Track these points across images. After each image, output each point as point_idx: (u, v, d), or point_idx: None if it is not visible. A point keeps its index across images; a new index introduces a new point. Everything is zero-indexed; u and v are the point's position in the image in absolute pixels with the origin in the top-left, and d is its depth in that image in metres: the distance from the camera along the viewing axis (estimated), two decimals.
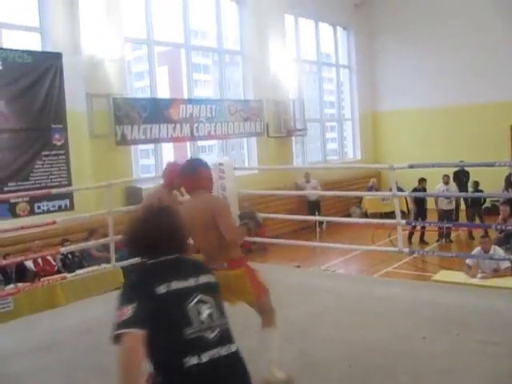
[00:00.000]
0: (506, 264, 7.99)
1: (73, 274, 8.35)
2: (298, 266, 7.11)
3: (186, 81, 13.38)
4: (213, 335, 2.27)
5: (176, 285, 2.30)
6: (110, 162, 10.50)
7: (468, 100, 16.53)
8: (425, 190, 12.97)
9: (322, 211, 14.23)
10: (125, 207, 9.66)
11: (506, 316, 5.15)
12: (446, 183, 13.24)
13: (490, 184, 13.88)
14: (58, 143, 9.83)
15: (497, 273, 7.93)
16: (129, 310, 2.20)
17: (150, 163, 12.94)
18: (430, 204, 13.52)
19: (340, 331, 5.11)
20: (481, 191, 13.18)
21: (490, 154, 14.00)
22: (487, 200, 15.65)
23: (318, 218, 12.52)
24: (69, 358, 4.84)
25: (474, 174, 14.30)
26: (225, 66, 14.41)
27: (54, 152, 9.77)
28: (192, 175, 4.14)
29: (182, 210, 3.84)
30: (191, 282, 2.34)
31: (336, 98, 18.83)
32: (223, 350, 2.26)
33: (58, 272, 8.89)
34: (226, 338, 2.31)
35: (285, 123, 14.85)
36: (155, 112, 11.59)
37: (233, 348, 2.33)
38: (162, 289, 2.27)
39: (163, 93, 13.19)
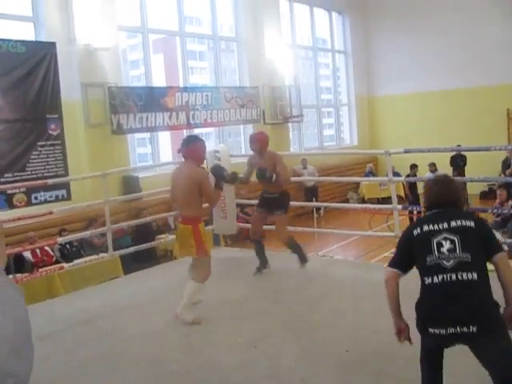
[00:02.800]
0: (503, 248, 8.02)
1: (71, 263, 8.36)
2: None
3: (181, 68, 13.34)
4: (449, 264, 2.94)
5: (427, 227, 3.09)
6: (106, 152, 10.49)
7: (464, 84, 16.51)
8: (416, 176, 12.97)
9: (320, 197, 14.25)
10: (122, 196, 9.69)
11: (502, 299, 5.17)
12: (432, 172, 13.25)
13: (487, 168, 13.90)
14: (54, 133, 9.81)
15: None
16: (395, 253, 3.28)
17: (147, 152, 12.93)
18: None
19: (337, 316, 5.14)
20: None
21: (487, 138, 14.00)
22: (484, 184, 15.71)
23: (315, 203, 12.53)
24: (67, 347, 4.87)
25: (471, 159, 14.32)
26: (220, 53, 14.36)
27: (49, 142, 9.75)
28: (185, 147, 5.27)
29: (174, 172, 5.36)
30: (443, 225, 3.06)
31: (332, 84, 18.79)
32: (454, 275, 2.90)
33: (57, 262, 8.90)
34: (462, 267, 2.91)
35: (281, 110, 14.82)
36: (151, 100, 11.56)
37: (467, 276, 2.89)
38: (416, 231, 3.14)
39: (159, 81, 13.15)
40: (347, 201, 15.92)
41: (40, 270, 8.08)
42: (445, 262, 2.94)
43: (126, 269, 8.57)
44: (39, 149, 9.60)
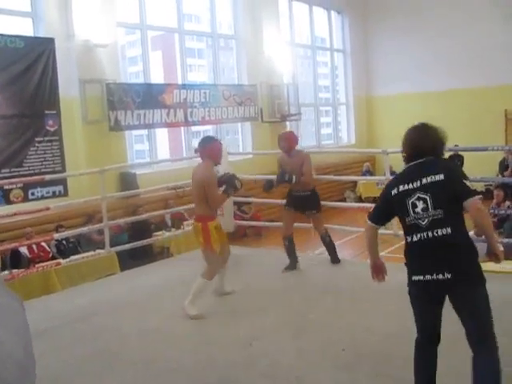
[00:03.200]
0: (500, 248, 8.03)
1: (67, 259, 8.36)
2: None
3: (179, 66, 13.31)
4: (424, 223, 3.18)
5: (403, 187, 3.29)
6: (103, 148, 10.47)
7: (463, 85, 16.51)
8: None
9: None
10: (119, 193, 9.69)
11: (498, 299, 5.17)
12: None
13: (484, 168, 13.91)
14: (52, 129, 9.79)
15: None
16: (375, 208, 3.59)
17: (145, 148, 12.91)
18: None
19: (334, 315, 5.14)
20: None
21: (485, 138, 14.02)
22: (481, 184, 15.71)
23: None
24: (64, 344, 4.86)
25: (468, 159, 14.32)
26: (219, 51, 14.34)
27: (47, 138, 9.73)
28: (201, 147, 5.50)
29: (193, 170, 5.56)
30: (416, 184, 3.24)
31: (330, 83, 18.78)
32: (430, 233, 3.16)
33: (53, 258, 8.89)
34: (435, 224, 3.15)
35: (279, 108, 14.80)
36: (149, 97, 11.54)
37: (441, 232, 3.14)
38: (394, 191, 3.34)
39: (157, 78, 13.12)
40: (344, 200, 15.90)
41: (36, 265, 8.08)
42: (420, 221, 3.20)
43: (122, 266, 8.57)
44: (37, 144, 9.59)
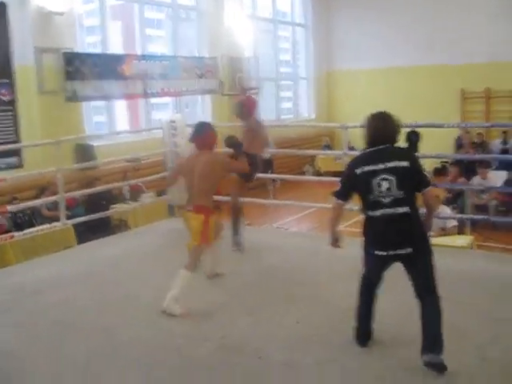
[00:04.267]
0: (453, 223, 8.22)
1: (21, 232, 8.20)
2: (249, 224, 7.16)
3: (138, 36, 13.08)
4: (386, 201, 3.61)
5: (368, 167, 3.67)
6: (60, 119, 10.25)
7: (421, 61, 16.69)
8: None
9: (276, 169, 14.27)
10: (75, 165, 9.53)
11: (451, 273, 5.31)
12: None
13: (441, 145, 14.15)
14: (5, 99, 9.54)
15: (443, 231, 8.15)
16: (339, 186, 3.89)
17: (104, 120, 12.70)
18: None
19: (289, 288, 5.20)
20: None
21: (442, 116, 14.21)
22: (437, 160, 16.01)
23: (270, 175, 12.56)
24: (19, 318, 4.81)
25: (425, 135, 14.53)
26: (179, 22, 14.13)
27: (1, 108, 9.48)
28: (199, 137, 5.21)
29: (188, 160, 5.36)
30: (380, 166, 3.63)
31: (291, 57, 18.74)
32: (391, 210, 3.61)
33: (8, 231, 8.72)
34: (396, 203, 3.60)
35: (239, 81, 14.73)
36: (107, 68, 11.31)
37: (401, 210, 3.60)
38: (358, 171, 3.71)
39: (116, 48, 12.88)
40: (303, 174, 15.99)
41: None
42: (383, 199, 3.62)
43: (80, 239, 8.47)
44: None
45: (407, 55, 16.92)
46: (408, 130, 14.58)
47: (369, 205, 3.69)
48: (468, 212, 9.19)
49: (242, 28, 14.78)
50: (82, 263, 6.31)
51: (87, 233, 8.65)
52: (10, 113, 9.59)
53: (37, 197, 9.28)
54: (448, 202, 9.88)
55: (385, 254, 3.69)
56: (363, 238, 3.84)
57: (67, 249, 7.75)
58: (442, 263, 5.63)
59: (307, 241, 7.01)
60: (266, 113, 16.89)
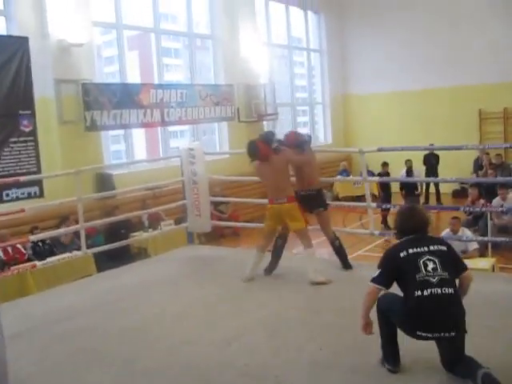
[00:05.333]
0: (474, 245, 8.15)
1: (43, 261, 8.26)
2: (269, 251, 7.14)
3: (156, 65, 13.26)
4: (434, 280, 3.64)
5: (412, 250, 3.78)
6: (79, 149, 10.38)
7: (438, 84, 16.70)
8: (388, 174, 13.07)
9: None
10: (95, 194, 9.61)
11: (473, 297, 5.24)
12: (409, 168, 13.39)
13: (460, 166, 14.11)
14: (26, 130, 9.69)
15: (465, 254, 8.06)
16: (378, 271, 3.86)
17: (121, 149, 12.83)
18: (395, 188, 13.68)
19: (310, 314, 5.17)
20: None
21: (460, 137, 14.17)
22: (456, 183, 15.92)
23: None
24: (40, 346, 4.82)
25: (444, 157, 14.50)
26: (195, 51, 14.31)
27: (22, 139, 9.62)
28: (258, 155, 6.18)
29: (259, 171, 6.30)
30: (424, 249, 3.77)
31: (307, 82, 18.85)
32: (439, 290, 3.61)
33: (29, 260, 8.79)
34: (443, 283, 3.63)
35: (256, 108, 14.81)
36: (125, 97, 11.47)
37: (448, 290, 3.62)
38: (403, 253, 3.79)
39: (133, 78, 13.06)
40: None
41: (12, 268, 7.97)
42: (431, 278, 3.64)
43: (99, 267, 8.51)
44: (11, 145, 9.48)
45: (423, 77, 16.93)
46: (426, 152, 14.69)
47: (417, 284, 3.65)
48: (489, 234, 9.09)
49: (257, 55, 14.92)
50: (102, 291, 6.33)
51: (107, 261, 8.69)
52: (30, 143, 9.73)
53: (58, 226, 9.37)
54: (468, 225, 9.80)
55: (430, 335, 3.66)
56: (403, 321, 3.77)
57: (87, 277, 7.79)
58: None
59: (327, 266, 6.96)
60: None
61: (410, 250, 3.78)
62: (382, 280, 3.83)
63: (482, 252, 8.55)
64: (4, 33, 9.87)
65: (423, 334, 3.65)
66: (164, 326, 5.12)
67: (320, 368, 4.11)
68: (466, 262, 7.74)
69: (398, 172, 13.39)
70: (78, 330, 5.11)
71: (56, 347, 4.76)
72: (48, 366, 4.41)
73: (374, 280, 3.84)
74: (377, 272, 3.86)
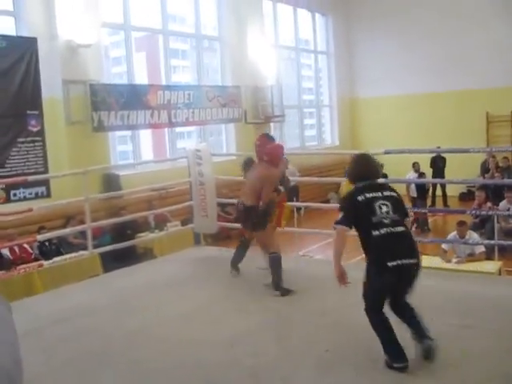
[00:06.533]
0: (481, 249, 8.12)
1: (50, 261, 8.29)
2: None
3: (163, 67, 13.30)
4: (387, 221, 4.06)
5: (369, 194, 4.15)
6: (86, 149, 10.42)
7: (445, 87, 16.67)
8: (385, 176, 12.93)
9: (300, 197, 14.28)
10: (102, 194, 9.64)
11: (480, 300, 5.24)
12: (416, 171, 13.35)
13: (466, 169, 14.06)
14: (34, 130, 9.74)
15: (471, 257, 8.04)
16: (341, 214, 4.19)
17: (129, 149, 12.87)
18: (401, 190, 13.65)
19: (316, 316, 5.16)
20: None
21: (467, 140, 14.15)
22: (463, 186, 15.89)
23: (296, 203, 12.57)
24: (46, 346, 4.83)
25: (451, 160, 14.46)
26: (203, 52, 14.34)
27: (29, 139, 9.68)
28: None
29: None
30: (378, 194, 4.17)
31: (314, 84, 18.85)
32: (393, 229, 4.04)
33: (36, 260, 8.82)
34: (395, 223, 4.07)
35: (263, 109, 14.83)
36: (133, 98, 11.51)
37: (400, 229, 4.08)
38: (361, 197, 4.15)
39: (141, 79, 13.10)
40: (328, 201, 15.96)
41: (18, 267, 8.00)
42: (384, 220, 4.07)
43: (106, 267, 8.52)
44: (19, 145, 9.53)
45: (430, 81, 16.91)
46: (433, 155, 14.66)
47: (373, 225, 4.06)
48: (496, 237, 9.06)
49: (265, 57, 14.94)
50: (109, 292, 6.34)
51: (113, 261, 8.70)
52: (38, 143, 9.78)
53: (64, 226, 9.40)
54: (475, 228, 9.77)
55: (399, 262, 3.96)
56: (373, 259, 4.13)
57: (93, 277, 7.81)
58: (470, 289, 5.61)
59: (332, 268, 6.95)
60: (290, 140, 16.99)
61: (367, 195, 4.16)
62: (346, 222, 4.16)
63: (488, 255, 8.51)
64: (13, 33, 9.93)
65: (393, 263, 3.95)
66: (170, 326, 5.12)
67: (326, 369, 4.11)
68: (473, 265, 7.80)
69: (404, 175, 13.36)
70: (85, 330, 5.12)
71: (62, 347, 4.77)
72: (55, 367, 4.42)
73: (339, 222, 4.17)
74: (340, 215, 4.20)
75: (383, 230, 4.02)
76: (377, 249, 4.08)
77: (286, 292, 5.79)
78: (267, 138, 6.50)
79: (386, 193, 4.21)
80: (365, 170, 4.36)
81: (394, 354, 3.99)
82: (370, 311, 4.14)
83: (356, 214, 4.15)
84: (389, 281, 4.02)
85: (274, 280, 5.87)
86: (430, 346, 3.94)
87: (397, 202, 4.21)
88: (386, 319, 4.07)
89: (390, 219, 4.07)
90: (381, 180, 4.54)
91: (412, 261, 4.02)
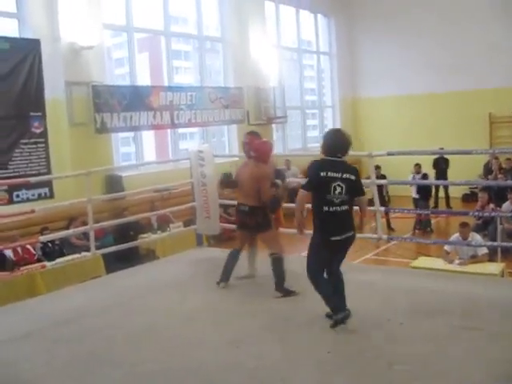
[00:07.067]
0: (484, 250, 8.10)
1: (53, 262, 8.32)
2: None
3: (166, 68, 13.32)
4: (337, 201, 4.78)
5: (330, 173, 4.78)
6: (89, 150, 10.43)
7: (447, 87, 16.65)
8: (384, 177, 12.88)
9: None
10: (105, 195, 9.65)
11: (482, 302, 5.24)
12: (417, 173, 13.32)
13: (469, 171, 14.04)
14: (37, 131, 9.75)
15: (474, 259, 8.03)
16: (306, 180, 4.94)
17: (131, 151, 12.88)
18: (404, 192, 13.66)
19: (319, 317, 5.16)
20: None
21: (470, 141, 14.13)
22: (466, 187, 15.87)
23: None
24: (48, 347, 4.84)
25: (454, 161, 14.44)
26: (205, 53, 14.36)
27: (32, 140, 9.69)
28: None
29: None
30: (338, 175, 4.79)
31: (317, 85, 18.85)
32: (339, 208, 4.79)
33: (38, 261, 8.84)
34: (342, 203, 4.80)
35: (265, 110, 14.84)
36: (135, 99, 11.52)
37: (344, 208, 4.82)
38: (323, 173, 4.79)
39: (144, 80, 13.11)
40: None
41: (21, 268, 8.03)
42: (335, 199, 4.79)
43: (108, 268, 8.54)
44: (22, 146, 9.55)
45: (433, 81, 16.89)
46: (436, 156, 14.63)
47: (325, 202, 4.80)
48: (499, 239, 9.05)
49: (267, 58, 14.94)
50: (111, 293, 6.35)
51: (116, 262, 8.72)
52: (41, 145, 9.79)
53: (66, 227, 9.42)
54: (478, 229, 9.76)
55: (338, 238, 4.82)
56: (319, 230, 4.89)
57: (96, 278, 7.81)
58: (472, 291, 5.60)
59: None
60: (292, 141, 16.98)
61: (329, 173, 4.79)
62: (309, 188, 4.89)
63: (491, 257, 8.50)
64: (17, 35, 9.96)
65: (336, 238, 4.82)
66: (172, 327, 5.13)
67: (328, 371, 4.11)
68: (476, 266, 7.80)
69: (407, 176, 13.33)
70: (87, 331, 5.13)
71: (64, 348, 4.78)
72: (56, 368, 4.42)
73: (303, 187, 4.93)
74: (305, 181, 4.99)
75: (332, 208, 4.79)
76: (322, 223, 4.89)
77: (288, 293, 5.78)
78: (255, 136, 6.45)
79: (345, 175, 4.83)
80: (336, 145, 4.95)
81: (337, 306, 4.78)
82: (312, 275, 4.97)
83: (315, 186, 4.85)
84: (328, 251, 4.90)
85: (277, 281, 5.87)
86: (346, 315, 4.71)
87: (351, 184, 4.86)
88: (326, 279, 4.97)
89: (340, 199, 4.80)
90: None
91: (349, 234, 4.88)
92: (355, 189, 4.93)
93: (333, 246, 4.87)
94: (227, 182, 7.07)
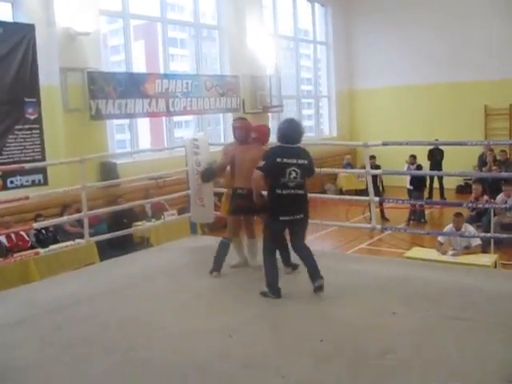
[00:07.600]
0: (477, 241, 8.13)
1: (46, 249, 8.30)
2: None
3: (162, 55, 13.25)
4: (292, 184, 5.23)
5: (286, 160, 5.23)
6: (84, 137, 10.40)
7: (443, 79, 16.67)
8: (378, 167, 12.87)
9: None
10: (99, 182, 9.62)
11: (475, 292, 5.26)
12: (412, 164, 13.33)
13: (464, 162, 14.08)
14: (32, 117, 9.70)
15: (467, 250, 8.06)
16: (263, 163, 5.27)
17: (126, 138, 12.85)
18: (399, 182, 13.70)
19: (312, 306, 5.17)
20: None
21: (465, 132, 14.16)
22: (460, 178, 15.91)
23: None
24: (42, 334, 4.83)
25: (448, 153, 14.47)
26: (201, 41, 14.30)
27: (27, 126, 9.64)
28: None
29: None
30: (293, 161, 5.24)
31: (313, 75, 18.82)
32: (294, 191, 5.26)
33: (32, 247, 8.83)
34: (296, 187, 5.27)
35: (261, 99, 14.81)
36: (131, 86, 11.47)
37: (299, 191, 5.30)
38: (279, 159, 5.23)
39: (139, 67, 13.05)
40: (325, 192, 15.95)
41: (15, 255, 8.01)
42: (290, 183, 5.23)
43: (102, 256, 8.53)
44: (16, 133, 9.50)
45: (429, 72, 16.89)
46: (431, 147, 14.65)
47: (280, 185, 5.22)
48: (492, 231, 9.09)
49: (264, 46, 14.89)
50: (105, 280, 6.34)
51: (109, 250, 8.72)
52: (35, 131, 9.74)
53: (61, 214, 9.39)
54: (472, 221, 9.79)
55: (289, 218, 5.27)
56: (271, 210, 5.35)
57: (90, 265, 7.81)
58: (465, 282, 5.63)
59: (329, 259, 6.97)
60: None
61: (285, 160, 5.22)
62: (263, 170, 5.26)
63: (484, 248, 8.54)
64: (10, 20, 9.87)
65: (284, 218, 5.28)
66: (165, 315, 5.13)
67: (321, 359, 4.12)
68: (469, 257, 7.84)
69: (402, 167, 13.35)
70: (80, 319, 5.13)
71: (57, 335, 4.78)
72: (50, 354, 4.42)
73: (259, 169, 5.28)
74: (262, 164, 5.27)
75: (285, 191, 5.22)
76: (275, 204, 5.32)
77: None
78: (246, 121, 6.59)
79: (300, 161, 5.27)
80: (291, 134, 5.37)
81: (273, 289, 5.28)
82: (266, 252, 5.41)
83: (270, 170, 5.24)
84: (279, 230, 5.44)
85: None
86: (320, 284, 5.23)
87: (306, 169, 5.34)
88: (276, 261, 5.46)
89: (295, 183, 5.23)
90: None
91: (298, 216, 5.31)
92: (309, 172, 5.42)
93: (284, 226, 5.40)
94: (209, 174, 6.74)
